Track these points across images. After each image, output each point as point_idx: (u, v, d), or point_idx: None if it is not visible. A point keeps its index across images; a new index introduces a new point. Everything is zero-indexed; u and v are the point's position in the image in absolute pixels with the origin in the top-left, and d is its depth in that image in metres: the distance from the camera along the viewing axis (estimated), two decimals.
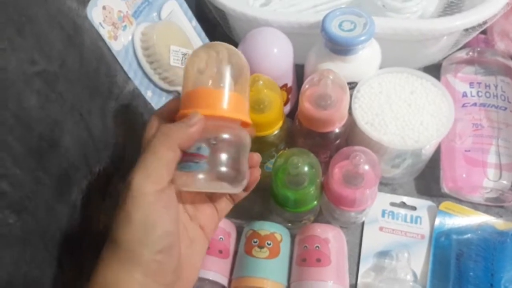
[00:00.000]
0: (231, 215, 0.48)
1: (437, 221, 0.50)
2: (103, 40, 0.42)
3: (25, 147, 0.30)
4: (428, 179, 0.54)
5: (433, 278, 0.47)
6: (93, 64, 0.40)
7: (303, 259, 0.45)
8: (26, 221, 0.30)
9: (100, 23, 0.41)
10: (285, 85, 0.54)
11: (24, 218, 0.30)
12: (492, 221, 0.48)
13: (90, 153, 0.38)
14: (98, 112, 0.39)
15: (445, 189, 0.52)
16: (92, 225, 0.39)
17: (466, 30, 0.54)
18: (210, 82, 0.34)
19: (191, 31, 0.54)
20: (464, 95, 0.55)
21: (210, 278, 0.44)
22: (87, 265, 0.38)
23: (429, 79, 0.50)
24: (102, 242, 0.40)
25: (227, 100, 0.34)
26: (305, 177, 0.45)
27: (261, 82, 0.45)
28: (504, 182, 0.48)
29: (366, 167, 0.44)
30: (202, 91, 0.34)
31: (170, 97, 0.51)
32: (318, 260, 0.44)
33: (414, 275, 0.47)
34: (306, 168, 0.45)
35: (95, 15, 0.41)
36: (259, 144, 0.49)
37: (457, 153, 0.51)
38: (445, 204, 0.51)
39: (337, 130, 0.49)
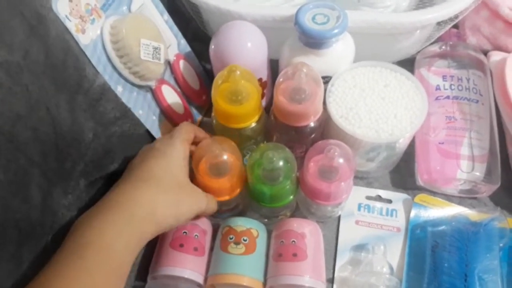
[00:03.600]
0: None
1: (413, 214, 0.50)
2: (70, 33, 0.40)
3: None
4: (403, 173, 0.54)
5: (409, 270, 0.47)
6: (60, 57, 0.38)
7: (279, 254, 0.44)
8: None
9: (66, 16, 0.40)
10: (260, 79, 0.53)
11: None
12: (465, 212, 0.49)
13: (51, 150, 0.36)
14: (66, 106, 0.38)
15: (420, 181, 0.52)
16: (55, 221, 0.37)
17: (439, 24, 0.55)
18: None
19: (163, 25, 0.53)
20: (437, 88, 0.55)
21: (186, 277, 0.43)
22: None
23: (402, 72, 0.51)
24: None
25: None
26: (280, 172, 0.45)
27: (238, 73, 0.44)
28: (477, 173, 0.49)
29: (341, 160, 0.44)
30: None
31: (142, 92, 0.50)
32: (295, 255, 0.43)
33: (391, 267, 0.47)
34: (281, 163, 0.44)
35: (60, 7, 0.39)
36: (237, 137, 0.48)
37: (431, 145, 0.52)
38: (420, 197, 0.51)
39: (312, 124, 0.48)
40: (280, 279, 0.43)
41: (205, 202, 0.44)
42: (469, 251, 0.44)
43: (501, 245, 0.46)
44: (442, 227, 0.48)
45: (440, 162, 0.50)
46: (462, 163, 0.49)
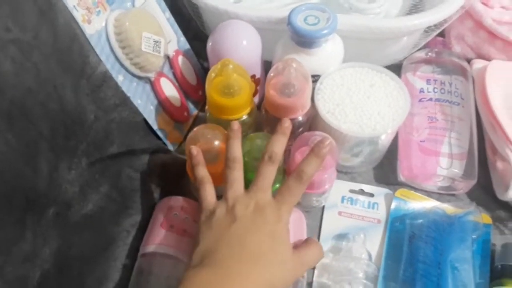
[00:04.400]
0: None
1: (393, 207, 0.53)
2: (76, 22, 0.43)
3: None
4: (385, 169, 0.57)
5: (387, 259, 0.49)
6: (66, 42, 0.41)
7: None
8: None
9: (74, 6, 0.43)
10: (254, 76, 0.57)
11: None
12: (442, 206, 0.52)
13: (59, 126, 0.39)
14: (71, 88, 0.41)
15: (401, 177, 0.55)
16: (59, 195, 0.40)
17: (425, 31, 0.58)
18: None
19: (164, 22, 0.57)
20: (421, 91, 0.58)
21: (176, 256, 0.46)
22: (51, 234, 0.39)
23: (388, 73, 0.54)
24: (68, 212, 0.41)
25: None
26: None
27: (231, 66, 0.47)
28: (455, 170, 0.52)
29: None
30: None
31: (141, 83, 0.53)
32: None
33: (369, 254, 0.49)
34: None
35: None
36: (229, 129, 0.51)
37: (413, 144, 0.55)
38: (400, 191, 0.54)
39: (300, 118, 0.51)
40: None
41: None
42: (444, 241, 0.47)
43: (474, 237, 0.48)
44: (420, 220, 0.50)
45: (421, 159, 0.53)
46: (441, 160, 0.52)
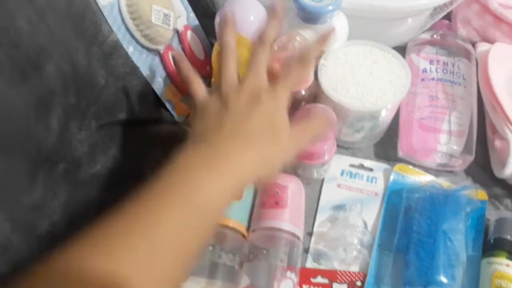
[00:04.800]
0: None
1: (391, 180, 0.54)
2: None
3: (11, 62, 0.34)
4: (386, 145, 0.58)
5: (383, 229, 0.51)
6: (80, 9, 0.44)
7: (263, 203, 0.49)
8: (3, 128, 0.34)
9: None
10: None
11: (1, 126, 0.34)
12: (439, 180, 0.53)
13: (71, 86, 0.41)
14: (83, 51, 0.43)
15: (400, 153, 0.56)
16: (69, 153, 0.42)
17: (432, 14, 0.59)
18: None
19: None
20: (424, 71, 0.59)
21: None
22: (61, 189, 0.42)
23: (390, 51, 0.55)
24: (77, 170, 0.44)
25: None
26: None
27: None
28: (454, 147, 0.53)
29: None
30: None
31: (151, 55, 0.55)
32: (276, 203, 0.48)
33: (365, 224, 0.51)
34: None
35: None
36: None
37: (413, 122, 0.56)
38: (399, 166, 0.55)
39: (303, 93, 0.53)
40: (262, 222, 0.47)
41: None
42: (438, 213, 0.48)
43: (468, 210, 0.49)
44: (417, 194, 0.51)
45: (421, 135, 0.54)
46: (441, 137, 0.53)
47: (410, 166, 0.55)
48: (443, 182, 0.52)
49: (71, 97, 0.41)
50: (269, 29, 0.43)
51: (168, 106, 0.57)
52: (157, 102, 0.57)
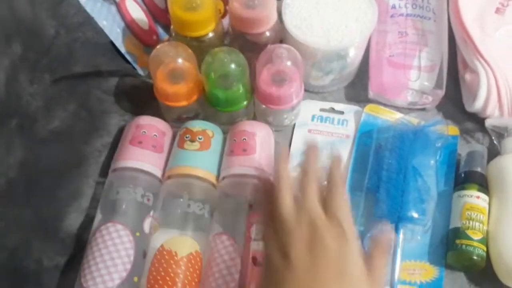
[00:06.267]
0: (170, 120, 0.51)
1: (362, 121, 0.53)
2: None
3: None
4: (357, 87, 0.57)
5: (354, 171, 0.50)
6: None
7: (231, 150, 0.48)
8: None
9: None
10: None
11: None
12: (409, 117, 0.52)
13: (13, 35, 0.39)
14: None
15: (371, 93, 0.55)
16: (21, 107, 0.40)
17: None
18: None
19: None
20: (393, 7, 0.57)
21: (144, 169, 0.47)
22: (15, 145, 0.40)
23: None
24: (32, 126, 0.42)
25: None
26: (232, 76, 0.48)
27: None
28: (425, 83, 0.52)
29: (289, 63, 0.47)
30: None
31: (106, 4, 0.52)
32: (244, 150, 0.47)
33: None
34: (233, 66, 0.47)
35: None
36: (195, 48, 0.50)
37: (384, 60, 0.54)
38: (369, 107, 0.54)
39: (267, 34, 0.51)
40: (231, 169, 0.46)
41: None
42: (407, 149, 0.47)
43: (438, 145, 0.49)
44: (387, 133, 0.51)
45: (391, 73, 0.53)
46: (411, 73, 0.52)
47: (381, 106, 0.54)
48: (413, 119, 0.51)
49: (16, 46, 0.39)
50: (309, 161, 0.38)
51: (129, 58, 0.55)
52: (117, 54, 0.54)
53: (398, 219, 0.45)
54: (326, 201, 0.35)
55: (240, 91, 0.49)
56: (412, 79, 0.52)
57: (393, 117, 0.53)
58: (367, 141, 0.52)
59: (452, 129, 0.52)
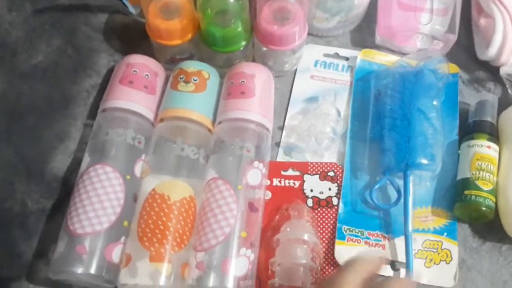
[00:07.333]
0: (163, 61, 0.48)
1: (356, 68, 0.50)
2: None
3: None
4: (363, 32, 0.54)
5: (354, 119, 0.48)
6: None
7: (229, 93, 0.45)
8: None
9: None
10: None
11: None
12: (406, 59, 0.49)
13: None
14: None
15: (378, 38, 0.51)
16: None
17: None
18: None
19: None
20: None
21: (135, 110, 0.44)
22: None
23: None
24: (12, 58, 0.39)
25: None
26: (231, 12, 0.44)
27: None
28: (437, 27, 0.48)
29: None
30: None
31: None
32: (242, 93, 0.44)
33: (338, 112, 0.48)
34: (232, 0, 0.44)
35: None
36: None
37: (393, 1, 0.51)
38: (364, 52, 0.51)
39: None
40: (228, 114, 0.43)
41: None
42: (410, 93, 0.44)
43: (440, 85, 0.46)
44: (385, 79, 0.47)
45: (400, 15, 0.50)
46: (422, 15, 0.49)
47: (376, 50, 0.51)
48: (411, 60, 0.48)
49: None
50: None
51: None
52: None
53: (406, 166, 0.42)
54: None
55: (239, 29, 0.45)
56: (423, 22, 0.49)
57: (389, 60, 0.50)
58: (365, 86, 0.49)
59: (451, 67, 0.49)
